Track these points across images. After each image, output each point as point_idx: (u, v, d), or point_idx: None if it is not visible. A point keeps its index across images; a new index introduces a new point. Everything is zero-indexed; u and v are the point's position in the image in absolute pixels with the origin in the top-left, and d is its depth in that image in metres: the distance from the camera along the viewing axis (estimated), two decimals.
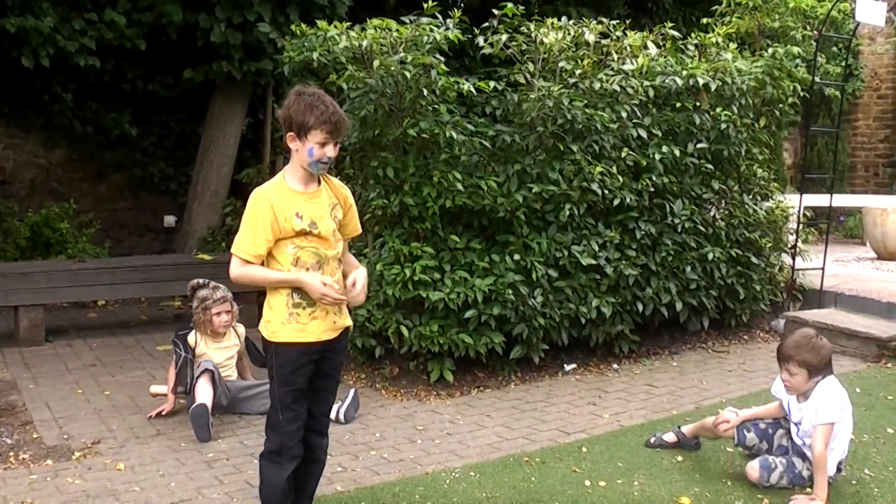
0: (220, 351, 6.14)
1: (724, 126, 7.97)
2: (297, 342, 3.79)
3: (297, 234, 3.74)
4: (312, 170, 3.79)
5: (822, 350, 4.81)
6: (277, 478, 3.86)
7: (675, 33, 8.16)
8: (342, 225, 3.96)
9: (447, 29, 6.82)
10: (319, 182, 3.88)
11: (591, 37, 7.34)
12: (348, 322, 4.01)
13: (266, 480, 3.91)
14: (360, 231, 4.20)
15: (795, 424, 4.96)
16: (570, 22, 7.41)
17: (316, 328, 3.82)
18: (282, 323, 3.78)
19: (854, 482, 4.97)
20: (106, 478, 5.00)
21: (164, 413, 6.01)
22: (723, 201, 8.37)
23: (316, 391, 3.94)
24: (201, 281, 6.14)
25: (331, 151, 3.75)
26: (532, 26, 7.13)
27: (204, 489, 4.84)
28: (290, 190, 3.78)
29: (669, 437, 5.46)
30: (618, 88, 7.39)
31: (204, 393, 5.78)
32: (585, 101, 7.21)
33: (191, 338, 6.08)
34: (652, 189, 7.58)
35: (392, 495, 4.76)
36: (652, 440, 5.50)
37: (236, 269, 3.77)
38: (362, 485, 4.92)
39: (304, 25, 7.46)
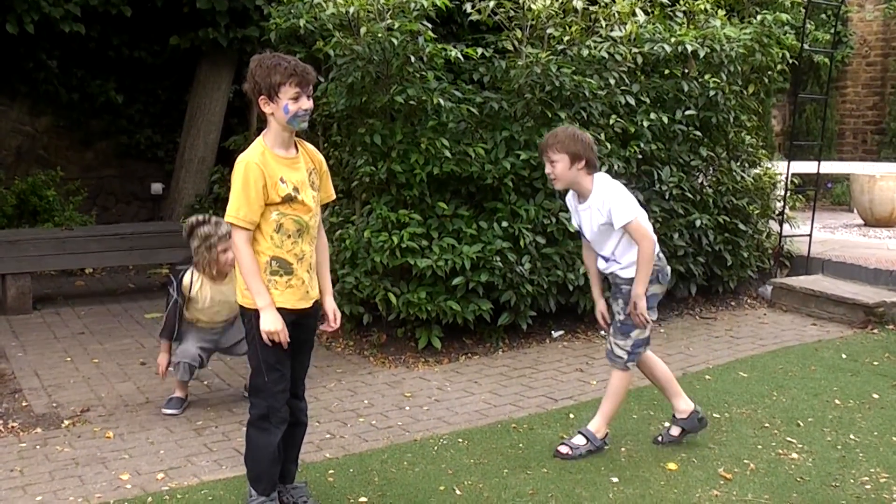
0: (218, 294, 5.61)
1: (712, 93, 7.96)
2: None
3: (282, 200, 3.75)
4: (293, 125, 3.77)
5: (582, 138, 4.68)
6: (267, 443, 3.88)
7: (664, 0, 8.12)
8: (318, 190, 3.98)
9: None
10: (297, 148, 3.89)
11: (579, 3, 7.29)
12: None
13: (255, 448, 3.93)
14: (334, 196, 4.20)
15: (585, 238, 4.89)
16: None
17: (291, 296, 3.86)
18: None
19: (839, 447, 5.01)
20: (95, 446, 5.02)
21: (164, 372, 5.72)
22: (710, 168, 8.38)
23: (292, 356, 3.96)
24: (200, 217, 5.59)
25: (305, 103, 3.74)
26: None
27: (193, 457, 4.85)
28: (273, 155, 3.78)
29: (675, 431, 5.11)
30: (606, 55, 7.37)
31: (179, 386, 5.73)
32: (573, 68, 7.18)
33: (186, 278, 5.55)
34: (640, 156, 7.58)
35: (380, 462, 4.78)
36: (660, 438, 5.13)
37: (236, 240, 3.75)
38: (350, 452, 4.94)
39: None
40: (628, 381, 4.99)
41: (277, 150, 3.80)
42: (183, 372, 5.61)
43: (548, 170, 4.72)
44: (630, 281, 4.74)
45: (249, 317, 3.85)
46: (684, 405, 5.06)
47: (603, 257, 4.88)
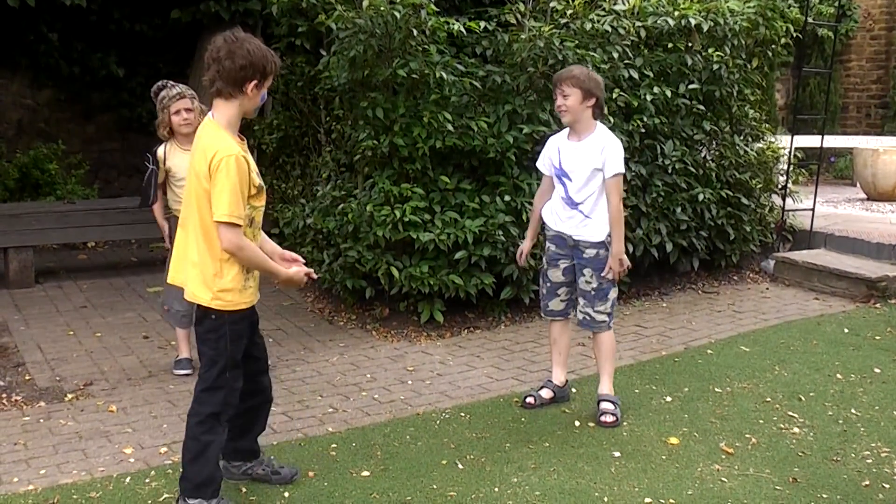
0: (187, 159, 5.48)
1: (715, 67, 7.92)
2: (249, 306, 3.81)
3: (257, 191, 3.70)
4: (255, 114, 3.79)
5: (596, 78, 4.95)
6: (217, 443, 3.80)
7: None
8: None
9: None
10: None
11: None
12: None
13: (203, 448, 3.77)
14: None
15: (567, 178, 5.00)
16: None
17: (255, 291, 3.84)
18: (238, 291, 3.72)
19: (841, 421, 5.02)
20: (98, 419, 5.03)
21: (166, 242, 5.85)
22: (714, 142, 8.35)
23: (252, 339, 3.96)
24: (161, 83, 5.75)
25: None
26: None
27: None
28: (239, 144, 3.68)
29: (545, 392, 5.32)
30: (609, 29, 7.33)
31: (183, 343, 5.89)
32: (577, 42, 7.14)
33: (160, 151, 5.76)
34: (643, 130, 7.55)
35: (383, 436, 4.80)
36: (529, 400, 5.27)
37: (238, 239, 3.60)
38: (353, 426, 4.95)
39: None
40: (614, 336, 5.25)
41: (237, 138, 3.70)
42: (170, 317, 5.83)
43: (559, 102, 4.93)
44: (597, 244, 4.99)
45: (220, 315, 3.72)
46: (564, 377, 5.38)
47: (571, 203, 5.00)
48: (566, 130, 5.08)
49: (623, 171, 4.97)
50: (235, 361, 3.80)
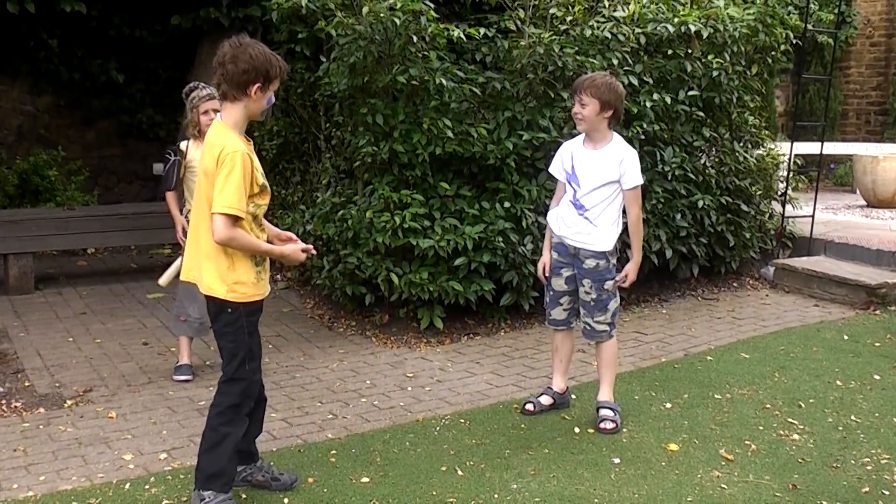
0: None
1: (715, 73, 7.93)
2: (262, 298, 3.92)
3: (259, 190, 3.78)
4: (262, 117, 3.87)
5: (617, 89, 4.88)
6: (235, 436, 3.87)
7: None
8: None
9: None
10: None
11: None
12: None
13: (221, 440, 3.85)
14: None
15: (575, 186, 4.99)
16: None
17: (265, 284, 3.93)
18: (252, 283, 3.83)
19: (840, 428, 5.02)
20: (98, 426, 5.03)
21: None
22: (713, 149, 8.35)
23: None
24: (192, 84, 5.97)
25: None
26: None
27: (195, 437, 4.83)
28: (246, 144, 3.77)
29: (545, 399, 5.30)
30: (609, 35, 7.34)
31: (184, 349, 5.95)
32: (576, 48, 7.15)
33: (183, 144, 5.95)
34: (643, 137, 7.55)
35: (382, 442, 4.79)
36: (528, 407, 5.25)
37: (229, 230, 3.66)
38: (353, 432, 4.95)
39: None
40: (616, 344, 5.27)
41: (244, 138, 3.80)
42: (187, 327, 5.87)
43: (576, 109, 4.89)
44: (598, 255, 4.98)
45: (235, 308, 3.83)
46: (564, 384, 5.35)
47: (579, 207, 4.98)
48: (581, 136, 5.06)
49: (641, 182, 4.98)
50: (253, 353, 3.92)
